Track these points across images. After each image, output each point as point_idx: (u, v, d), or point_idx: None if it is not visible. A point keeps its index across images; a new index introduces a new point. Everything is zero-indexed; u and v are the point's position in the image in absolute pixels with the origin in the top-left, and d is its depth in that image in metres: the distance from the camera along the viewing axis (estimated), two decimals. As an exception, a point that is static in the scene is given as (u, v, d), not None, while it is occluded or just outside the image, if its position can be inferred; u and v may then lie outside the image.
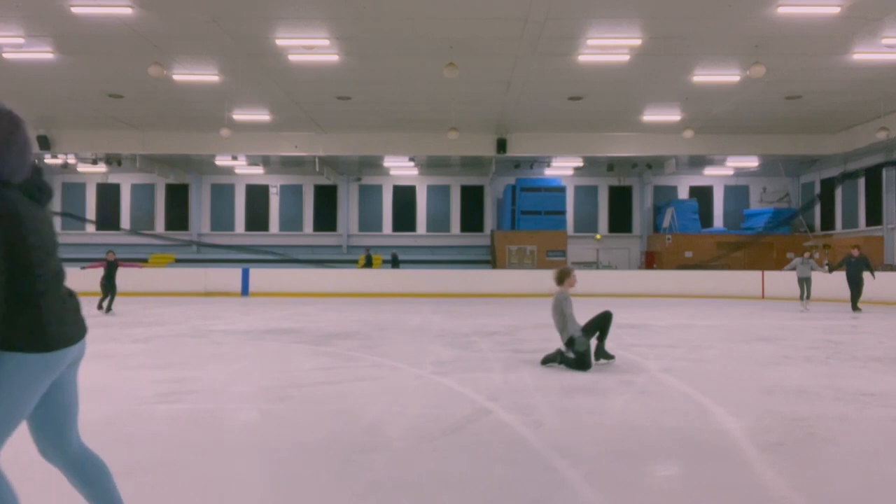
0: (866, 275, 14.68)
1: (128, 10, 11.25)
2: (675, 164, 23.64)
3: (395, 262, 24.09)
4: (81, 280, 20.15)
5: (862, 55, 13.34)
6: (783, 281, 20.13)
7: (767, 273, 20.47)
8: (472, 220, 28.48)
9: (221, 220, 28.66)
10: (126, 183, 28.48)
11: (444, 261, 25.86)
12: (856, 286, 14.56)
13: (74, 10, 11.18)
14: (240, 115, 19.11)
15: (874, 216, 22.13)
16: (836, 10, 11.05)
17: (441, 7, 11.18)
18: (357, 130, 21.46)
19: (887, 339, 9.40)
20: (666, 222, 26.44)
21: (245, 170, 26.44)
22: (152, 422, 4.38)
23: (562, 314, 6.56)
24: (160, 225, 28.56)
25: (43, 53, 13.59)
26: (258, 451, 3.80)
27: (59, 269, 2.12)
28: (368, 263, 23.79)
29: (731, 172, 26.33)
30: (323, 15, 11.66)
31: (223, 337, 9.28)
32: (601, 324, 6.68)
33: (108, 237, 27.92)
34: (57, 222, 28.43)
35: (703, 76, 14.98)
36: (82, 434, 2.43)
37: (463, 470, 3.41)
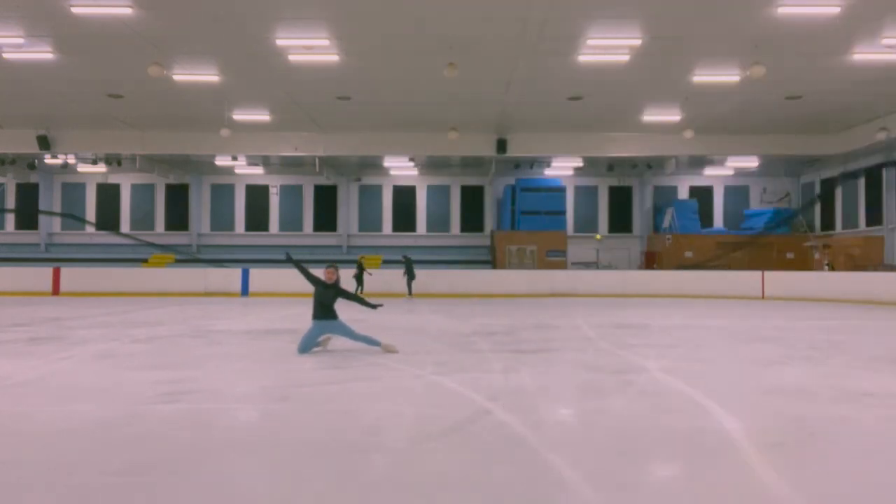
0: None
1: (128, 10, 11.26)
2: (675, 164, 23.64)
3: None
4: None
5: (862, 55, 13.34)
6: (783, 281, 20.14)
7: (767, 273, 20.47)
8: (472, 221, 28.46)
9: (221, 220, 28.66)
10: (126, 183, 28.47)
11: (444, 261, 25.84)
12: (410, 279, 19.98)
13: (74, 10, 11.18)
14: (240, 115, 19.11)
15: (874, 216, 22.12)
16: (836, 10, 11.06)
17: (441, 7, 11.18)
18: (357, 130, 21.45)
19: (887, 339, 9.39)
20: (666, 222, 26.44)
21: (245, 170, 26.44)
22: (152, 422, 4.38)
23: None
24: (160, 225, 28.55)
25: (43, 53, 13.59)
26: (258, 451, 3.80)
27: None
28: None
29: (731, 172, 26.33)
30: (323, 15, 11.66)
31: (223, 337, 9.27)
32: None
33: (109, 238, 27.91)
34: (57, 223, 28.44)
35: (703, 76, 14.97)
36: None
37: (463, 470, 3.41)
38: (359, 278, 19.36)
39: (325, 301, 7.56)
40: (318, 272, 7.77)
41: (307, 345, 7.57)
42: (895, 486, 3.27)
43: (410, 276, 19.93)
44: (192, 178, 27.84)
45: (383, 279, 20.39)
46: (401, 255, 20.84)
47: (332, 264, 7.91)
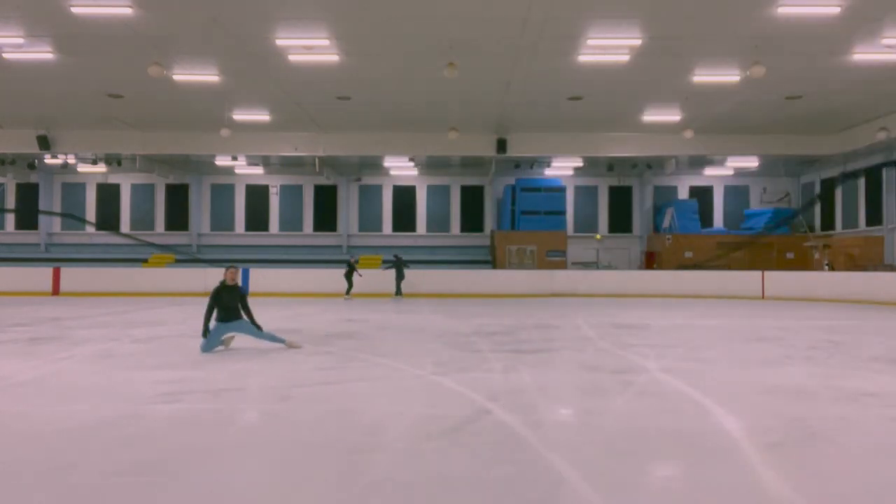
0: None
1: (128, 10, 11.25)
2: (675, 164, 23.62)
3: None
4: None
5: (862, 55, 13.33)
6: (783, 281, 20.15)
7: (767, 273, 20.47)
8: (472, 221, 28.46)
9: (221, 220, 28.65)
10: (126, 183, 28.47)
11: (444, 261, 25.83)
12: (400, 279, 20.01)
13: (74, 10, 11.17)
14: (240, 115, 19.10)
15: (874, 216, 22.12)
16: (836, 10, 11.05)
17: (441, 7, 11.17)
18: (357, 130, 21.45)
19: (887, 339, 9.40)
20: (666, 222, 26.43)
21: (245, 170, 26.43)
22: (152, 422, 4.38)
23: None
24: (160, 225, 28.55)
25: (43, 53, 13.58)
26: (258, 451, 3.80)
27: None
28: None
29: (731, 172, 26.32)
30: (323, 15, 11.66)
31: (223, 337, 9.26)
32: None
33: (109, 238, 27.91)
34: (56, 223, 28.44)
35: (703, 76, 14.96)
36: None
37: (463, 470, 3.41)
38: (349, 278, 19.32)
39: (230, 303, 7.82)
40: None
41: (210, 345, 7.74)
42: (895, 486, 3.27)
43: (400, 276, 19.98)
44: (192, 178, 27.84)
45: (375, 280, 20.40)
46: (398, 256, 20.86)
47: (233, 265, 8.27)
